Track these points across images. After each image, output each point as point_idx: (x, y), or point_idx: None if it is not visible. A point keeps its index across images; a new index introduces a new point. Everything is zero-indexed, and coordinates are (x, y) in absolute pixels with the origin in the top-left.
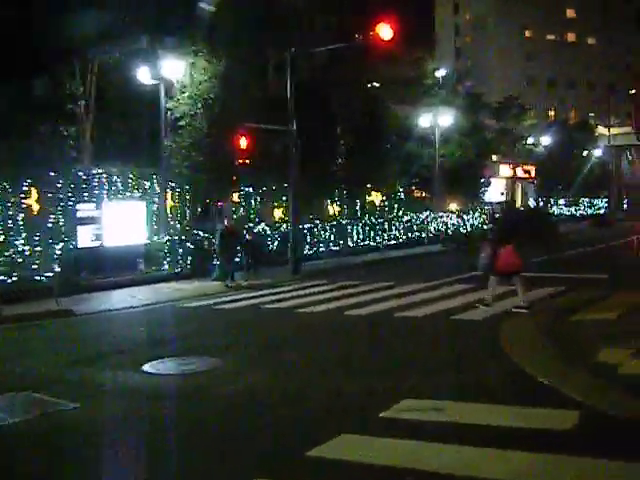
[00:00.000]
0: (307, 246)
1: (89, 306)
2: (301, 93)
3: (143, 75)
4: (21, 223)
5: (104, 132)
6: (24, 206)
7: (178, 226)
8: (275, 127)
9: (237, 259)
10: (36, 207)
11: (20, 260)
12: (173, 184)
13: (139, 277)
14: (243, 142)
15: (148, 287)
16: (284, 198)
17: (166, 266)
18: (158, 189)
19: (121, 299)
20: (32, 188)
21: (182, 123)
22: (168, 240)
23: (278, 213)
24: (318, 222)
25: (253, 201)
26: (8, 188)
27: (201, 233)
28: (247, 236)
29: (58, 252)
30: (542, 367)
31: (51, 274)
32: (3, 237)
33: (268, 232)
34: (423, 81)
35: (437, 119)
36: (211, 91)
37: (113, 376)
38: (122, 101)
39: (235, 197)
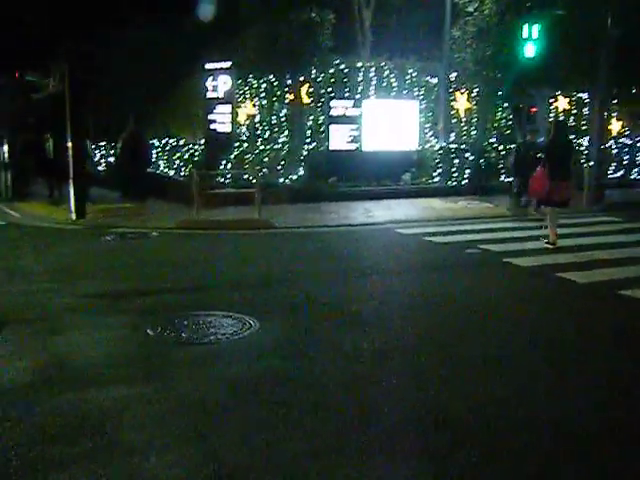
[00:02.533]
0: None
1: (297, 218)
2: None
3: None
4: (283, 119)
5: (382, 20)
6: (287, 101)
7: (474, 133)
8: None
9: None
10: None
11: (266, 159)
12: (465, 83)
13: (401, 189)
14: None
15: (407, 201)
16: None
17: (437, 179)
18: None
19: (349, 215)
20: (298, 82)
21: (470, 9)
22: (441, 149)
23: (616, 126)
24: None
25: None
26: (273, 81)
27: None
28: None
29: (305, 153)
30: None
31: (295, 177)
32: (269, 133)
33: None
34: None
35: None
36: None
37: None
38: None
39: (563, 102)
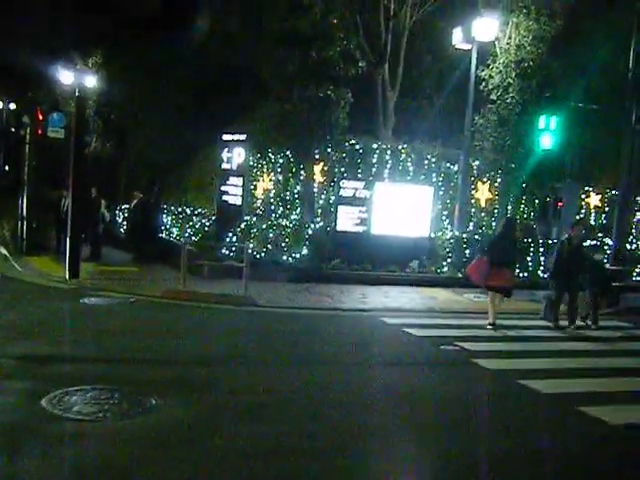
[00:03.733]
0: None
1: (285, 298)
2: None
3: (456, 36)
4: (297, 196)
5: (406, 103)
6: (301, 177)
7: (495, 224)
8: None
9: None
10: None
11: (270, 235)
12: (489, 172)
13: (408, 277)
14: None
15: (412, 289)
16: None
17: (446, 268)
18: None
19: (342, 299)
20: (313, 159)
21: (493, 97)
22: (453, 237)
23: None
24: None
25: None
26: (289, 156)
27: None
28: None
29: (310, 232)
30: None
31: (298, 256)
32: (282, 208)
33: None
34: None
35: None
36: (531, 56)
37: None
38: (426, 67)
39: (595, 199)
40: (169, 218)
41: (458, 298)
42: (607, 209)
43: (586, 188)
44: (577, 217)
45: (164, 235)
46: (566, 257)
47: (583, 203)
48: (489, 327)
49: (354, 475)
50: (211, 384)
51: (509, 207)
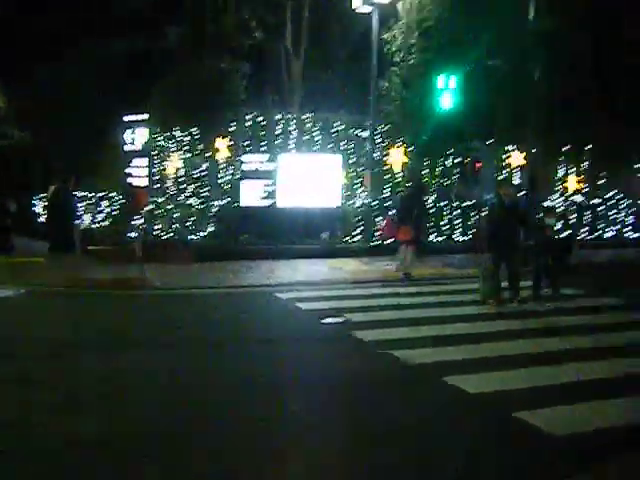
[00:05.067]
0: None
1: (184, 279)
2: None
3: (355, 0)
4: (205, 174)
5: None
6: (207, 155)
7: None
8: None
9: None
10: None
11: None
12: (399, 136)
13: (318, 248)
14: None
15: (321, 261)
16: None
17: (357, 238)
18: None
19: (247, 275)
20: (218, 136)
21: (397, 59)
22: (362, 206)
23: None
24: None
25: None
26: (195, 134)
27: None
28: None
29: (214, 210)
30: None
31: (205, 234)
32: (193, 187)
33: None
34: None
35: None
36: (433, 15)
37: None
38: (330, 34)
39: (519, 158)
40: (82, 205)
41: (366, 268)
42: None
43: (508, 147)
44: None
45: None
46: (498, 221)
47: (504, 163)
48: (402, 276)
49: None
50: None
51: (426, 171)
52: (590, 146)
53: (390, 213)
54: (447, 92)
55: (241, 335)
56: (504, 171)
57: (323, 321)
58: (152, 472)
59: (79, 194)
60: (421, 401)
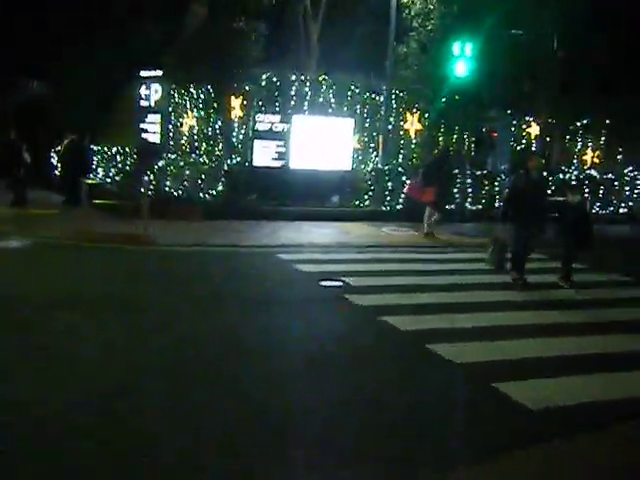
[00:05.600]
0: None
1: (188, 236)
2: None
3: None
4: (219, 132)
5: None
6: (221, 113)
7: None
8: None
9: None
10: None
11: (187, 172)
12: (415, 102)
13: (327, 211)
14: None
15: (329, 225)
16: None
17: (367, 202)
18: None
19: (252, 236)
20: (232, 94)
21: (415, 24)
22: (373, 170)
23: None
24: None
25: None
26: (209, 92)
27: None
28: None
29: (226, 168)
30: None
31: (214, 193)
32: (205, 145)
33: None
34: None
35: None
36: None
37: None
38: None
39: (536, 129)
40: (97, 158)
41: (373, 232)
42: (548, 139)
43: (527, 118)
44: (518, 148)
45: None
46: (522, 194)
47: (524, 133)
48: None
49: None
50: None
51: (441, 138)
52: (607, 121)
53: (412, 178)
54: (463, 59)
55: (232, 294)
56: (522, 141)
57: (321, 284)
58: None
59: (95, 148)
60: (399, 367)
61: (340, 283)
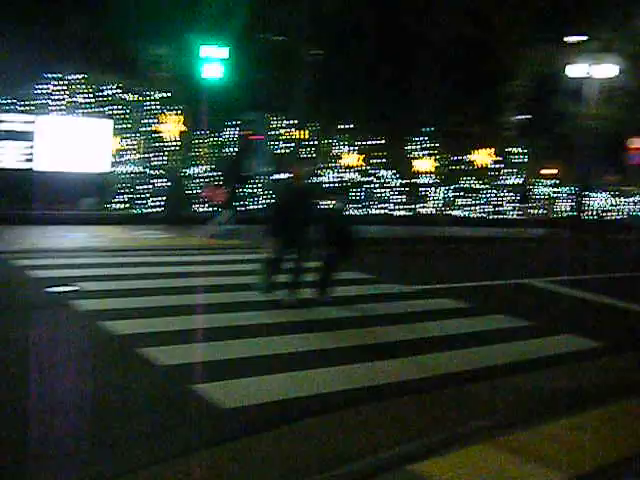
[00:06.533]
0: None
1: None
2: None
3: None
4: None
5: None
6: None
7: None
8: None
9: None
10: None
11: None
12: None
13: (76, 215)
14: None
15: (81, 229)
16: None
17: (121, 205)
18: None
19: None
20: None
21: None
22: (127, 173)
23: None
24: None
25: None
26: None
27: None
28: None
29: None
30: None
31: None
32: None
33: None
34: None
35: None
36: None
37: None
38: None
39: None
40: None
41: (125, 235)
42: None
43: (286, 121)
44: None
45: None
46: (286, 204)
47: (284, 137)
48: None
49: None
50: None
51: (200, 141)
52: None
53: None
54: (216, 62)
55: None
56: (288, 145)
57: (48, 290)
58: None
59: None
60: (105, 369)
61: (75, 288)
